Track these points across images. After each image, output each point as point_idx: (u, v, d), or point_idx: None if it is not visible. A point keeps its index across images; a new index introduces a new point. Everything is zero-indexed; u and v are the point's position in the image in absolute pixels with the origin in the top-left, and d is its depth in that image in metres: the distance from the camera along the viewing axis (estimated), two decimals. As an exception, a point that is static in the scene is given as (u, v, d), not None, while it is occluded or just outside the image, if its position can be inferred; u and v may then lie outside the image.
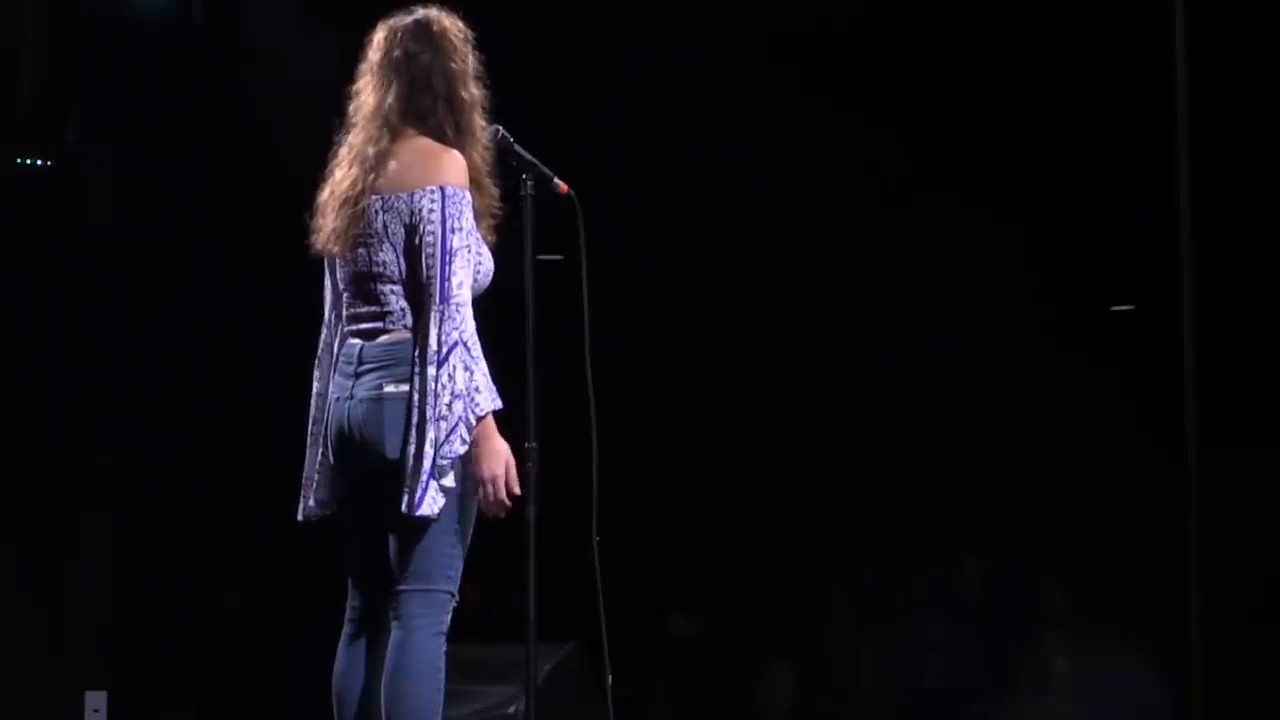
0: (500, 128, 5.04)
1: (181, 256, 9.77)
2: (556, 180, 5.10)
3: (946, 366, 10.19)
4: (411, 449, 4.66)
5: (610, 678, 5.27)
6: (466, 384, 4.68)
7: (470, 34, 4.93)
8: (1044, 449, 10.11)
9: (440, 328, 4.67)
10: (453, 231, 4.70)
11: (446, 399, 4.66)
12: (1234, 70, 8.46)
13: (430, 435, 4.65)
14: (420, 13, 4.92)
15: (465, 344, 4.69)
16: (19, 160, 9.38)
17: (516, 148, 5.07)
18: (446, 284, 4.68)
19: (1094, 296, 10.55)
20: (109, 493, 9.48)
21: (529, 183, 5.08)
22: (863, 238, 10.12)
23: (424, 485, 4.64)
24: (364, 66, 4.91)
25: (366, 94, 4.87)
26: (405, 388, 4.71)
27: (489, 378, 4.73)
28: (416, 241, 4.71)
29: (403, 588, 4.72)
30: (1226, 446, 8.06)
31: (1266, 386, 8.99)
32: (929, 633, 10.56)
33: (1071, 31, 9.39)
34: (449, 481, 4.68)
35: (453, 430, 4.66)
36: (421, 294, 4.71)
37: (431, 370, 4.67)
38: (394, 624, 4.73)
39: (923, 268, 10.15)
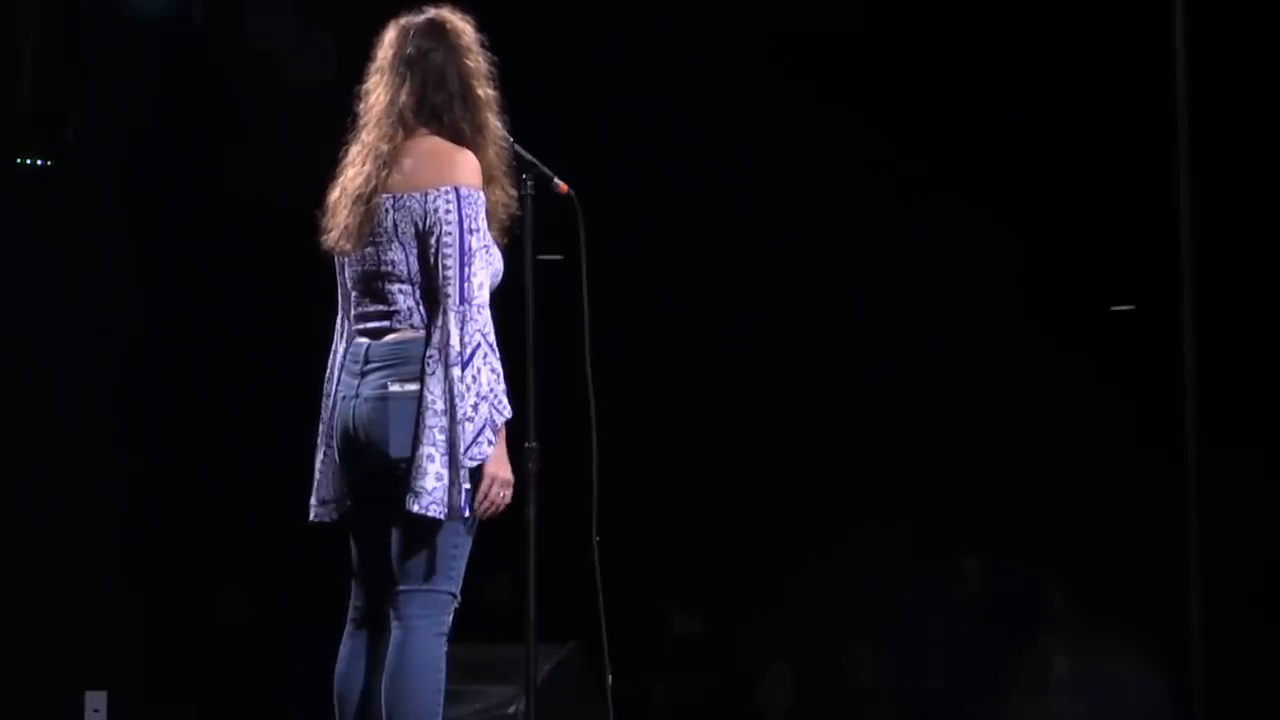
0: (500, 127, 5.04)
1: (181, 256, 9.77)
2: (556, 180, 5.10)
3: (946, 367, 10.20)
4: (425, 449, 4.64)
5: (610, 678, 5.27)
6: (492, 386, 4.68)
7: (482, 35, 4.92)
8: (1044, 449, 10.12)
9: (463, 329, 4.65)
10: (470, 232, 4.69)
11: (472, 400, 4.64)
12: (1234, 70, 8.46)
13: (456, 436, 4.64)
14: (433, 12, 4.90)
15: (490, 345, 4.69)
16: (19, 160, 9.38)
17: (516, 147, 5.06)
18: (467, 284, 4.67)
19: (1094, 296, 10.56)
20: (109, 493, 9.48)
21: (529, 183, 5.08)
22: (863, 238, 10.13)
23: (443, 486, 4.64)
24: (374, 66, 4.88)
25: (378, 92, 4.85)
26: (412, 387, 4.70)
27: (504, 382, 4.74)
28: (431, 242, 4.70)
29: (403, 587, 4.71)
30: (1226, 447, 8.06)
31: (1266, 386, 8.98)
32: (929, 633, 10.56)
33: (1071, 32, 9.39)
34: (469, 484, 4.67)
35: (479, 432, 4.65)
36: (436, 294, 4.70)
37: (456, 372, 4.65)
38: (394, 624, 4.72)
39: (923, 268, 10.15)
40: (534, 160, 5.09)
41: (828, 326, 10.29)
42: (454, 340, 4.65)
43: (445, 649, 4.73)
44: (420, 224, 4.72)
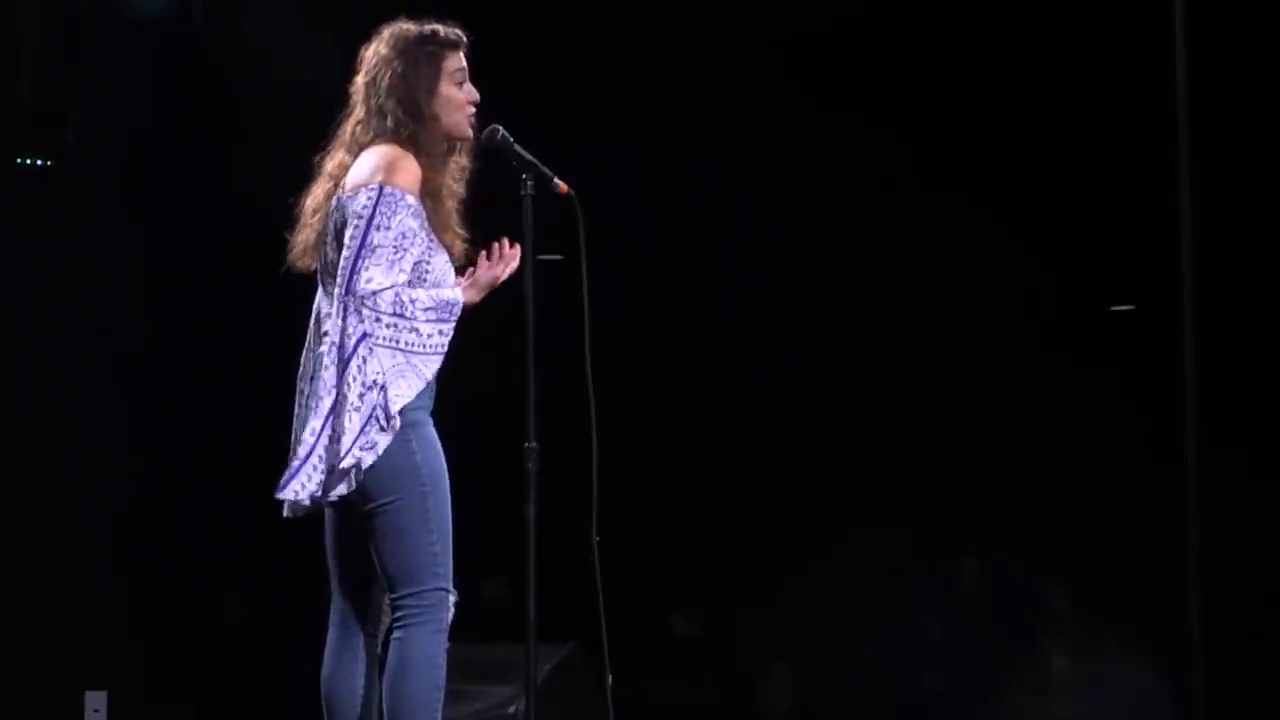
0: (500, 128, 5.04)
1: (181, 256, 9.78)
2: (556, 180, 5.09)
3: (947, 367, 10.20)
4: (304, 434, 4.68)
5: (610, 678, 5.27)
6: (383, 371, 4.66)
7: (445, 38, 4.91)
8: (1044, 449, 10.11)
9: (345, 319, 4.67)
10: (377, 229, 4.70)
11: (358, 390, 4.65)
12: (1234, 70, 8.46)
13: (322, 426, 4.65)
14: (385, 31, 4.92)
15: (370, 334, 4.66)
16: (19, 160, 9.38)
17: (516, 148, 5.06)
18: (356, 277, 4.68)
19: (1094, 296, 10.55)
20: (109, 493, 9.48)
21: (529, 183, 5.08)
22: (863, 238, 10.13)
23: (300, 473, 4.66)
24: (353, 86, 4.94)
25: (347, 116, 4.92)
26: None
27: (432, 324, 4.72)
28: (345, 237, 4.74)
29: (394, 595, 4.75)
30: (1226, 447, 8.06)
31: (1266, 386, 8.99)
32: (929, 633, 10.55)
33: (1072, 31, 9.39)
34: (322, 471, 4.67)
35: (367, 422, 4.65)
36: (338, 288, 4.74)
37: (328, 358, 4.69)
38: (394, 630, 4.74)
39: (923, 268, 10.15)
40: (534, 160, 5.09)
41: (828, 326, 10.29)
42: (334, 332, 4.70)
43: (444, 646, 4.74)
44: (345, 221, 4.74)
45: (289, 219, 4.98)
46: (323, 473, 4.66)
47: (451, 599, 4.75)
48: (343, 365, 4.66)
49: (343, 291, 4.69)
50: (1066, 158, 9.73)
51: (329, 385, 4.68)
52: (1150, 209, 8.37)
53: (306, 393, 4.86)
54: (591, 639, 5.28)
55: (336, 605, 4.90)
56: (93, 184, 9.48)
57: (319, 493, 4.67)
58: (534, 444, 5.03)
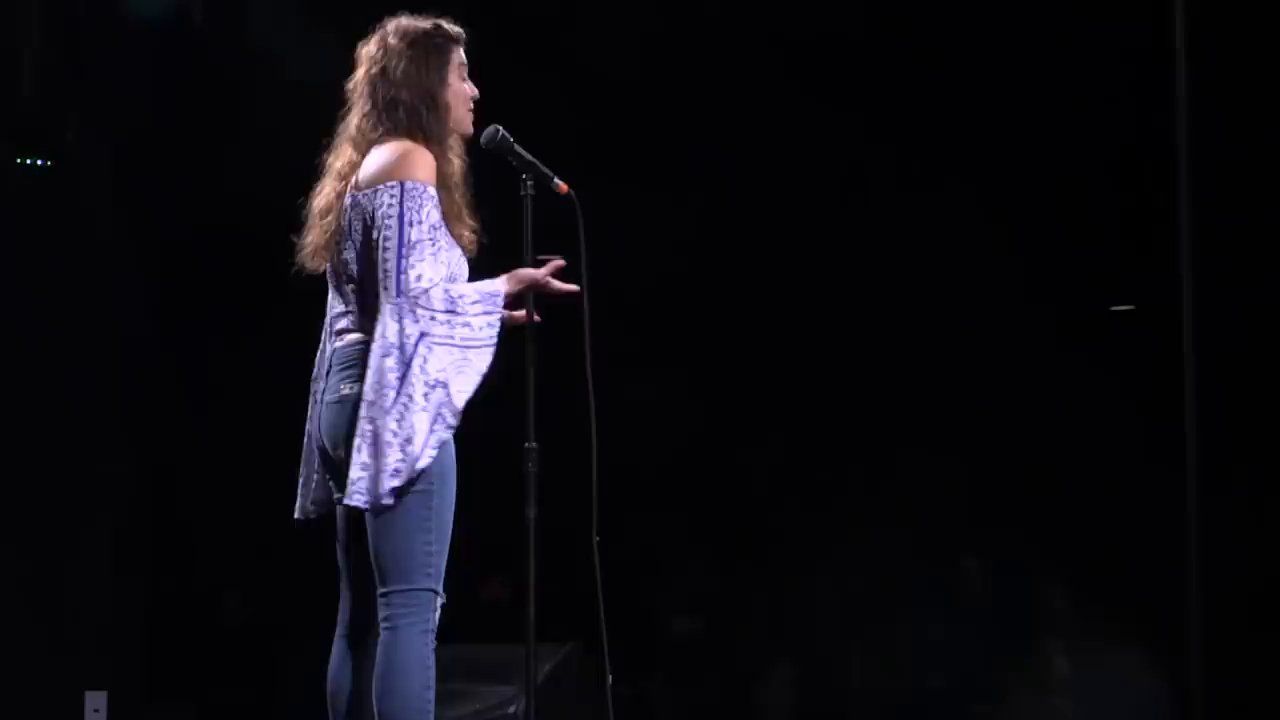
0: (500, 128, 5.04)
1: (181, 257, 9.78)
2: (556, 180, 5.09)
3: (947, 367, 10.19)
4: (355, 440, 4.65)
5: (610, 678, 5.27)
6: (444, 369, 4.66)
7: (450, 32, 4.93)
8: (1044, 449, 10.11)
9: (401, 322, 4.65)
10: (410, 225, 4.69)
11: (423, 389, 4.64)
12: (1234, 70, 8.46)
13: (381, 428, 4.62)
14: (390, 24, 4.93)
15: (427, 333, 4.65)
16: (19, 160, 9.38)
17: (517, 148, 5.06)
18: (404, 277, 4.67)
19: (1094, 296, 10.55)
20: (109, 493, 9.48)
21: (529, 183, 5.07)
22: (863, 238, 10.12)
23: (368, 475, 4.63)
24: (351, 83, 4.94)
25: (349, 113, 4.92)
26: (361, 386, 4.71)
27: (480, 314, 4.72)
28: (375, 237, 4.71)
29: (384, 589, 4.73)
30: (1226, 447, 8.06)
31: (1267, 387, 8.98)
32: (929, 633, 10.55)
33: (1072, 31, 9.39)
34: (397, 475, 4.64)
35: (435, 420, 4.65)
36: (378, 288, 4.71)
37: (389, 363, 4.64)
38: (381, 626, 4.72)
39: (923, 268, 10.15)
40: (534, 160, 5.09)
41: (828, 327, 10.29)
42: (390, 334, 4.66)
43: (432, 646, 4.73)
44: (368, 221, 4.74)
45: (290, 218, 4.98)
46: (390, 474, 4.65)
47: (439, 601, 4.75)
48: (404, 366, 4.63)
49: (393, 294, 4.66)
50: (1066, 158, 9.73)
51: (388, 387, 4.65)
52: (1150, 209, 8.37)
53: (321, 391, 4.85)
54: (591, 639, 5.27)
55: (345, 604, 4.90)
56: (93, 184, 9.49)
57: (388, 496, 4.65)
58: (534, 444, 5.03)
